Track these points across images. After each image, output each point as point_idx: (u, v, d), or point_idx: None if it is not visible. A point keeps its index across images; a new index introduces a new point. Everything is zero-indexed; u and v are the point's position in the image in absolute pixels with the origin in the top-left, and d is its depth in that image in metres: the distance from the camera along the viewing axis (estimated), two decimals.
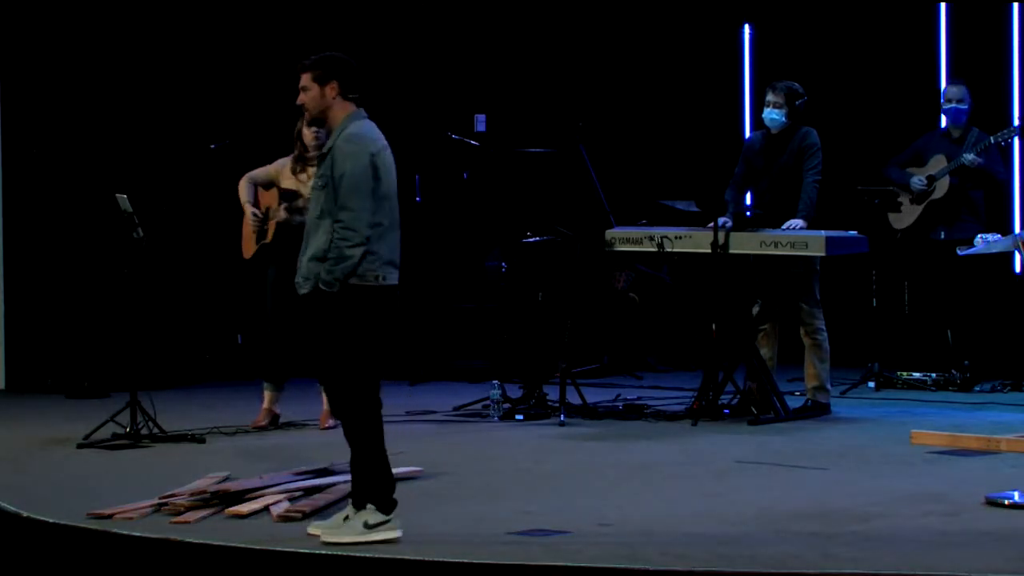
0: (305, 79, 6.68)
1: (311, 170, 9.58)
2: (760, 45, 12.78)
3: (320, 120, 6.74)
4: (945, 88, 11.02)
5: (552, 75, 12.62)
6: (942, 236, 10.86)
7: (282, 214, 9.45)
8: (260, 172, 9.73)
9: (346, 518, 6.53)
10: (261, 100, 12.05)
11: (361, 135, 6.63)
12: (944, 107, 10.94)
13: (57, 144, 11.77)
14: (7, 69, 11.75)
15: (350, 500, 6.59)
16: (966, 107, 10.87)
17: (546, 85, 12.55)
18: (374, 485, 6.51)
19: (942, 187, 10.82)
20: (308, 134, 9.52)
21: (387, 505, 6.48)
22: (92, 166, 11.71)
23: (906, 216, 10.98)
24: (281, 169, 9.65)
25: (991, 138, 10.68)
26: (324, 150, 6.68)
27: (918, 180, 10.86)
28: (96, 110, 11.85)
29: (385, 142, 6.73)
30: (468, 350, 11.94)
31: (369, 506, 6.47)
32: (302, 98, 6.71)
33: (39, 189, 11.76)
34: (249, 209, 9.61)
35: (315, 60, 6.69)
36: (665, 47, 12.77)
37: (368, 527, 6.43)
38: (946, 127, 10.98)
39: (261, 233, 9.59)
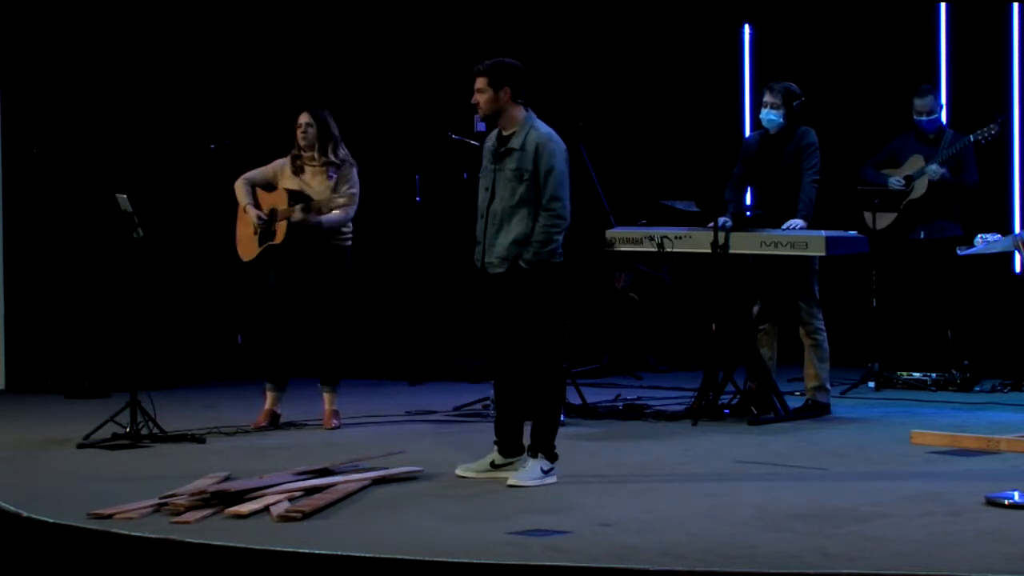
0: (480, 82, 7.60)
1: (310, 169, 9.59)
2: (760, 45, 12.78)
3: (491, 118, 7.65)
4: (914, 100, 10.98)
5: (552, 75, 12.62)
6: (921, 236, 10.87)
7: (299, 214, 9.43)
8: (257, 173, 9.71)
9: (492, 463, 7.70)
10: (261, 100, 12.06)
11: (555, 135, 7.60)
12: (916, 118, 10.94)
13: (57, 144, 11.78)
14: (7, 69, 11.76)
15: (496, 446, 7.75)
16: (936, 115, 10.91)
17: (546, 85, 12.54)
18: (550, 436, 7.57)
19: (920, 187, 10.82)
20: (299, 134, 9.53)
21: (554, 454, 7.59)
22: (92, 166, 11.71)
23: (884, 216, 10.96)
24: (280, 170, 9.64)
25: (970, 136, 10.65)
26: (511, 145, 7.56)
27: (896, 180, 10.87)
28: (96, 110, 11.86)
29: None
30: (468, 350, 11.95)
31: (540, 455, 7.54)
32: (476, 98, 7.61)
33: (39, 189, 11.76)
34: (253, 212, 9.58)
35: (490, 65, 7.60)
36: (665, 47, 12.77)
37: (544, 472, 7.53)
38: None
39: (267, 234, 9.55)
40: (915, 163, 10.88)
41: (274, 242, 9.51)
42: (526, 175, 7.55)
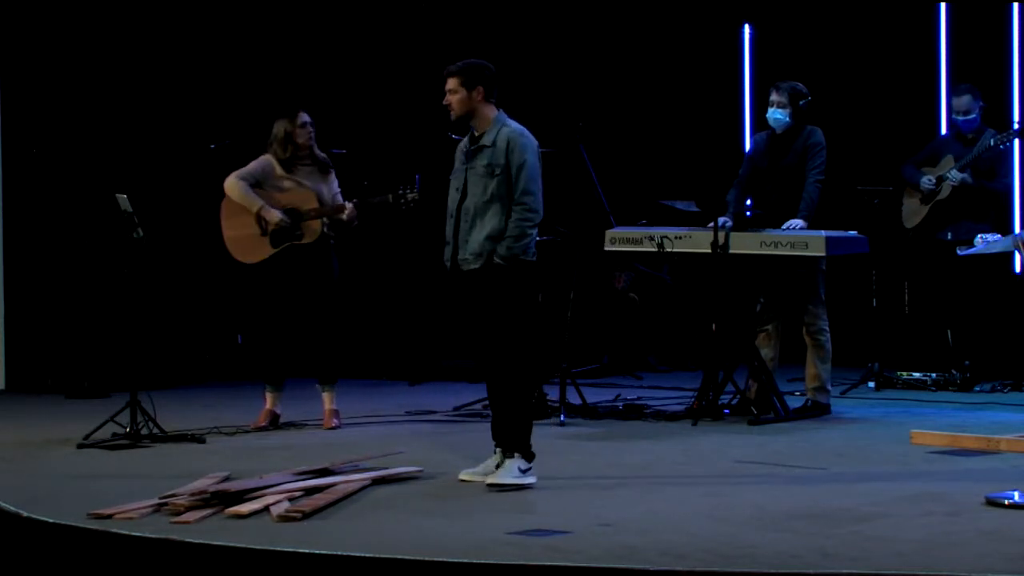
0: (452, 83, 7.69)
1: (302, 169, 9.59)
2: (760, 45, 12.79)
3: (464, 119, 7.68)
4: (951, 98, 10.98)
5: (552, 75, 12.62)
6: (949, 236, 10.87)
7: (352, 212, 9.48)
8: (249, 172, 9.64)
9: (497, 465, 7.58)
10: (261, 100, 12.06)
11: (526, 131, 7.66)
12: (953, 117, 10.94)
13: (57, 144, 11.78)
14: (7, 69, 11.76)
15: (499, 449, 7.64)
16: (975, 115, 10.85)
17: (546, 85, 12.55)
18: (524, 435, 7.57)
19: (947, 188, 10.83)
20: (303, 134, 9.52)
21: (531, 453, 7.58)
22: (92, 166, 11.71)
23: (915, 215, 11.00)
24: (269, 168, 9.60)
25: (991, 140, 10.67)
26: (482, 143, 7.60)
27: (927, 180, 10.88)
28: (96, 110, 11.86)
29: None
30: (467, 350, 11.94)
31: (517, 454, 7.53)
32: (449, 99, 7.68)
33: (39, 189, 11.76)
34: (276, 213, 9.50)
35: (462, 66, 7.68)
36: (665, 47, 12.77)
37: (522, 472, 7.51)
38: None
39: (289, 234, 9.49)
40: (947, 164, 10.88)
41: (302, 241, 9.49)
42: (498, 170, 7.58)
